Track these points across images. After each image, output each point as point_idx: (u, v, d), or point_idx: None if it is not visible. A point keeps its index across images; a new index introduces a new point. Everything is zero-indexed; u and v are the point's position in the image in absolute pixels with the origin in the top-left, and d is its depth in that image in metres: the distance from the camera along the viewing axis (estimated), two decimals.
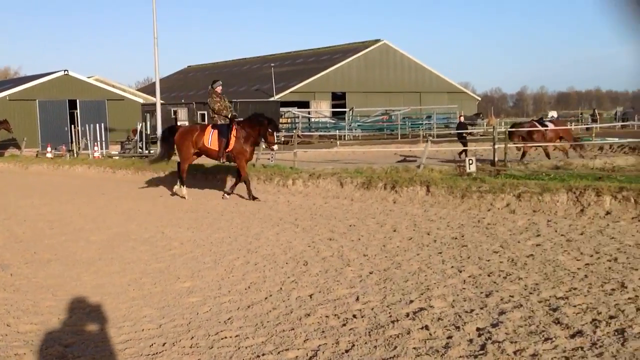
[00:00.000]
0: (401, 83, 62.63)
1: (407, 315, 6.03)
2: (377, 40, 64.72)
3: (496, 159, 18.85)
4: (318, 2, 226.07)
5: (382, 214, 12.40)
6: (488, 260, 8.13)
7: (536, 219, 10.94)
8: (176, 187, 16.42)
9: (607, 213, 10.84)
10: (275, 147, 16.12)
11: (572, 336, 5.20)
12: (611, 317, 5.60)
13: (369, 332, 5.56)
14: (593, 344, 4.99)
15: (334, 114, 58.05)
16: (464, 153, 22.83)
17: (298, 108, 55.99)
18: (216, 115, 15.77)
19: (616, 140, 30.58)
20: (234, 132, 15.28)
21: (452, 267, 7.90)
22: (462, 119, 28.13)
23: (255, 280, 7.70)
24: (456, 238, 9.70)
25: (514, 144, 21.99)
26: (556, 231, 9.88)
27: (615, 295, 6.31)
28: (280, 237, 10.49)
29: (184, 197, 15.77)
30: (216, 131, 15.46)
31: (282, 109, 53.02)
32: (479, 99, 72.64)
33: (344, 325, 5.82)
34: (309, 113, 57.61)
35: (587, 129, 39.79)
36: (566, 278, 7.08)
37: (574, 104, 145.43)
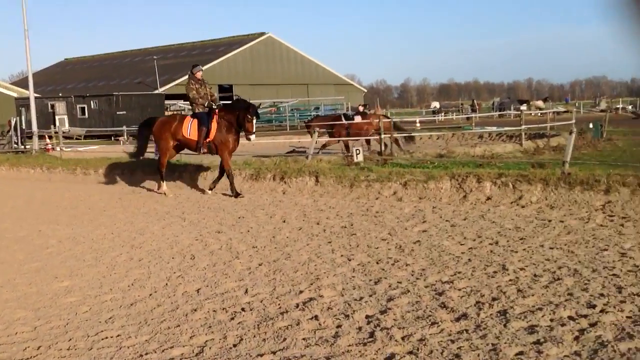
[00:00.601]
0: (288, 75, 62.69)
1: (297, 306, 5.94)
2: (262, 33, 64.42)
3: (383, 148, 19.17)
4: None
5: (271, 205, 12.28)
6: (377, 248, 8.19)
7: (422, 206, 11.17)
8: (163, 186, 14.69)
9: (488, 198, 11.22)
10: (253, 136, 14.08)
11: (457, 319, 5.28)
12: (494, 299, 5.75)
13: (258, 325, 5.43)
14: (477, 326, 5.09)
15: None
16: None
17: (184, 101, 54.80)
18: (192, 105, 14.38)
19: (494, 129, 31.98)
20: (215, 121, 13.97)
21: (342, 255, 7.89)
22: (361, 108, 28.29)
23: (139, 277, 7.37)
24: (345, 227, 9.72)
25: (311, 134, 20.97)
26: (441, 217, 10.12)
27: (497, 278, 6.50)
28: (166, 231, 10.15)
29: (165, 194, 14.31)
30: (196, 120, 14.15)
31: (167, 102, 51.73)
32: (365, 90, 73.98)
33: (232, 319, 5.65)
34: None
35: (468, 118, 41.39)
36: (451, 262, 7.23)
37: (454, 95, 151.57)
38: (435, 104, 70.36)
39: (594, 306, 5.39)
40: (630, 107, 70.52)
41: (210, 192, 14.28)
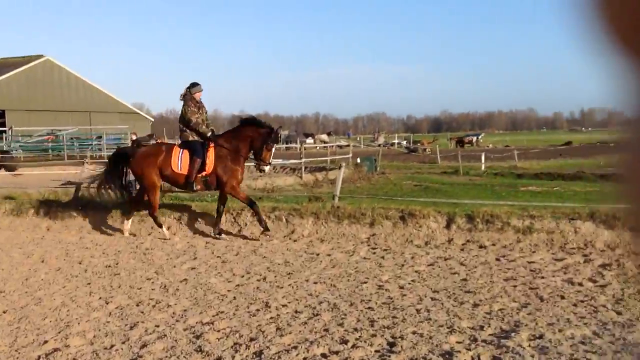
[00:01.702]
0: (69, 102, 59.23)
1: (39, 358, 5.36)
2: (40, 56, 60.47)
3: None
4: None
5: (31, 243, 11.26)
6: (139, 289, 7.76)
7: (195, 242, 10.90)
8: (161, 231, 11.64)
9: (262, 232, 11.24)
10: (268, 168, 11.66)
11: None
12: (252, 340, 5.63)
13: None
14: None
15: None
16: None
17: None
18: (188, 130, 11.46)
19: (280, 161, 32.69)
20: (212, 151, 11.31)
21: (100, 298, 7.36)
22: (133, 137, 27.35)
23: None
24: (110, 266, 9.15)
25: None
26: (213, 253, 9.92)
27: (259, 316, 6.41)
28: None
29: (168, 237, 11.40)
30: (186, 151, 11.46)
31: None
32: (152, 119, 72.29)
33: None
34: None
35: None
36: (215, 302, 7.03)
37: None
38: None
39: (346, 342, 5.47)
40: (404, 142, 76.42)
41: (221, 235, 11.31)
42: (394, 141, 77.12)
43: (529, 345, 5.26)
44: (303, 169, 23.68)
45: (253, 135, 11.19)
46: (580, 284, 7.38)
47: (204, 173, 11.26)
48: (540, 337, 5.48)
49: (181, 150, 11.52)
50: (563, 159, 42.61)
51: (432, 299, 6.90)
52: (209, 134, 11.36)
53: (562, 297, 6.81)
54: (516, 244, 9.63)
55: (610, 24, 0.39)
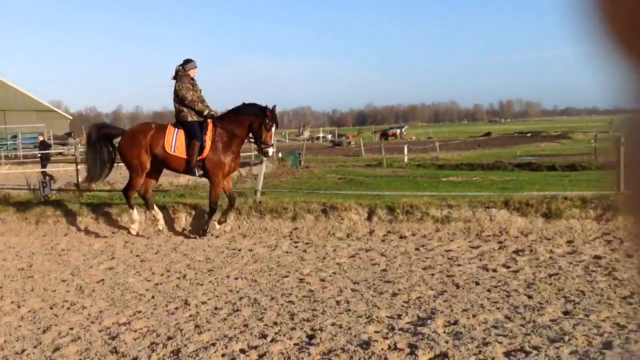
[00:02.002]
0: None
1: None
2: None
3: (80, 180, 18.08)
4: None
5: None
6: (54, 291, 7.51)
7: (114, 241, 10.64)
8: (135, 221, 10.97)
9: (183, 229, 11.07)
10: (271, 150, 10.67)
11: None
12: (169, 338, 5.54)
13: None
14: None
15: None
16: (45, 175, 21.35)
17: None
18: (185, 109, 10.50)
19: None
20: (209, 133, 10.45)
21: (12, 302, 7.10)
22: (41, 137, 26.34)
23: None
24: (23, 269, 8.83)
25: None
26: (132, 252, 9.71)
27: (178, 314, 6.31)
28: None
29: (135, 232, 10.89)
30: (182, 131, 10.50)
31: None
32: (71, 117, 70.16)
33: None
34: None
35: None
36: (132, 301, 6.89)
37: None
38: None
39: (265, 336, 5.46)
40: (329, 135, 76.86)
41: (218, 225, 10.76)
42: (319, 135, 77.48)
43: (444, 332, 5.38)
44: None
45: (250, 118, 10.38)
46: (495, 270, 7.61)
47: (201, 156, 10.40)
48: (455, 322, 5.62)
49: (176, 129, 10.55)
50: (482, 149, 43.85)
51: (352, 290, 6.97)
52: (206, 111, 10.52)
53: (477, 284, 7.00)
54: (435, 233, 9.83)
55: (610, 25, 0.38)
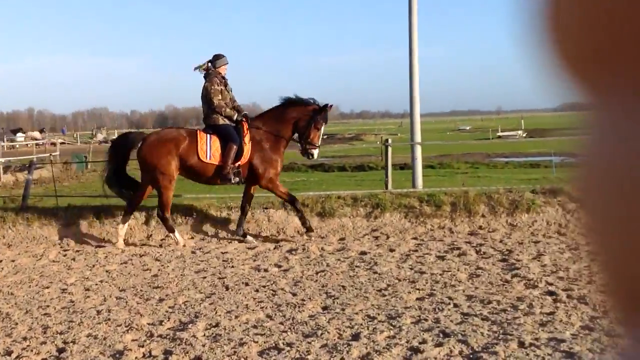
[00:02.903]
0: None
1: None
2: None
3: None
4: None
5: None
6: None
7: None
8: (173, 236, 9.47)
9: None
10: (316, 152, 9.74)
11: None
12: None
13: None
14: None
15: None
16: None
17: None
18: (215, 114, 9.46)
19: None
20: (247, 136, 9.42)
21: None
22: None
23: None
24: None
25: None
26: None
27: None
28: None
29: (182, 244, 9.30)
30: (215, 136, 9.34)
31: None
32: None
33: None
34: None
35: None
36: None
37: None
38: None
39: (10, 353, 5.05)
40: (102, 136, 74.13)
41: (246, 237, 9.51)
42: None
43: (203, 335, 5.32)
44: (1, 169, 21.71)
45: (298, 116, 9.57)
46: (266, 270, 7.72)
47: (238, 163, 9.43)
48: (216, 325, 5.59)
49: (208, 135, 9.50)
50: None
51: (117, 298, 6.69)
52: (235, 116, 9.58)
53: (247, 284, 7.05)
54: (213, 236, 9.78)
55: (558, 47, 0.36)
